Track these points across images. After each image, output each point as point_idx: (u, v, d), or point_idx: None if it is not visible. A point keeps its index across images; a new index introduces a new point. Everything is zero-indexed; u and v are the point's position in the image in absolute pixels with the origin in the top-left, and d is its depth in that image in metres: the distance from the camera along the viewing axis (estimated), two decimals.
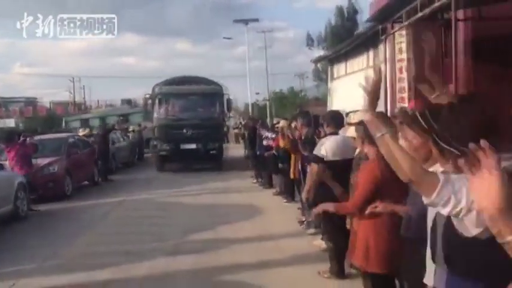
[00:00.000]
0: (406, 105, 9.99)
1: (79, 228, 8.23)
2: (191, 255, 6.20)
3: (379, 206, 3.10)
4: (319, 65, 36.69)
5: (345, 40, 23.12)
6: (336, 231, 4.94)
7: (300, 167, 7.62)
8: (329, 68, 25.34)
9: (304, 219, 7.58)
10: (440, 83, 2.66)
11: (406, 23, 7.01)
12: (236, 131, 27.87)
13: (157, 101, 16.69)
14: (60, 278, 5.48)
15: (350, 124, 4.86)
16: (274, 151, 10.51)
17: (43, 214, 9.68)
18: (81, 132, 16.68)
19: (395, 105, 10.89)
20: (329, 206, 3.77)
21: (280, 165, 9.73)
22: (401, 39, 11.02)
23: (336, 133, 5.21)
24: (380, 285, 3.28)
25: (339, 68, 22.50)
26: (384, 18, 8.23)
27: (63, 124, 26.15)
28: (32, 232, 8.15)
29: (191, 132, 15.89)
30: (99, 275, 5.53)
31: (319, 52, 37.48)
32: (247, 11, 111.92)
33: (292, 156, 8.32)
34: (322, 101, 29.73)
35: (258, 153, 12.80)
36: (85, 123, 25.00)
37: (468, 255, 1.85)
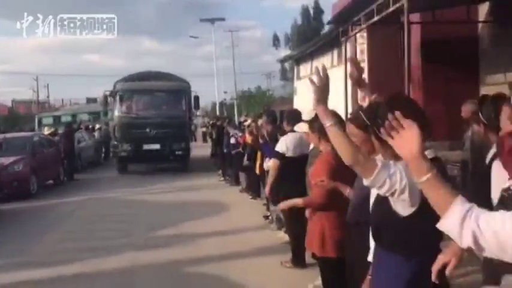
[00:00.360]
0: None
1: (45, 226, 8.27)
2: (158, 250, 6.38)
3: (325, 181, 3.37)
4: (286, 64, 37.24)
5: (311, 40, 23.61)
6: (295, 224, 5.22)
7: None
8: (295, 68, 25.81)
9: (269, 214, 7.86)
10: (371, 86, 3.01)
11: (364, 26, 7.40)
12: (204, 129, 27.97)
13: (118, 98, 15.65)
14: (27, 273, 5.57)
15: (304, 121, 5.14)
16: (240, 149, 10.77)
17: (8, 213, 9.64)
18: (47, 131, 16.46)
19: (357, 105, 11.33)
20: (297, 201, 3.89)
21: (246, 162, 9.97)
22: (362, 40, 11.50)
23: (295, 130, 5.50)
24: (334, 268, 3.55)
25: (305, 68, 22.96)
26: (344, 20, 8.59)
27: (36, 121, 25.65)
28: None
29: (155, 131, 14.95)
30: (67, 270, 5.66)
31: (286, 52, 38.05)
32: (215, 10, 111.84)
33: (258, 153, 8.58)
34: (288, 100, 30.17)
35: (225, 151, 13.01)
36: (58, 120, 24.58)
37: (396, 231, 2.15)
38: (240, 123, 14.16)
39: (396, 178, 2.00)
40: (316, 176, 3.56)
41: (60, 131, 16.70)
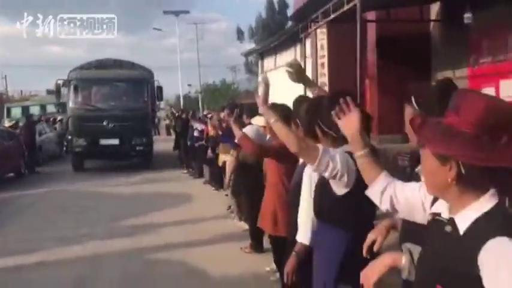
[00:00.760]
0: None
1: (6, 217, 8.27)
2: (121, 239, 6.54)
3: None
4: (251, 58, 37.46)
5: (275, 34, 23.90)
6: (253, 212, 5.50)
7: None
8: (259, 62, 26.07)
9: (231, 205, 8.11)
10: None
11: (321, 23, 7.71)
12: (167, 122, 27.90)
13: (72, 88, 14.25)
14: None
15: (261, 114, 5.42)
16: (203, 141, 10.97)
17: None
18: (7, 124, 16.16)
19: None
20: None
21: (210, 154, 10.19)
22: (322, 36, 11.84)
23: None
24: (285, 247, 3.84)
25: (269, 62, 23.25)
26: (303, 17, 8.90)
27: (5, 111, 25.09)
28: None
29: (113, 124, 13.63)
30: (31, 258, 5.76)
31: (251, 45, 38.24)
32: (180, 1, 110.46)
33: (220, 146, 8.81)
34: (253, 93, 30.38)
35: (188, 143, 13.16)
36: (27, 110, 24.08)
37: (335, 208, 2.45)
38: (205, 116, 14.33)
39: (337, 162, 2.29)
40: (270, 163, 3.86)
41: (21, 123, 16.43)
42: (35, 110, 23.28)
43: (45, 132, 17.67)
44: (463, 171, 1.36)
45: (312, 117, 2.64)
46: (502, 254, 1.26)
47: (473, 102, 1.37)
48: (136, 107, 14.18)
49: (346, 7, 6.40)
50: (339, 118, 2.00)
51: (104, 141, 13.73)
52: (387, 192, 1.82)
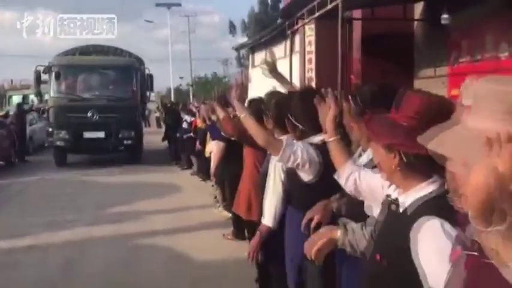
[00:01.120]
0: None
1: None
2: (109, 225, 6.76)
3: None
4: (242, 51, 37.62)
5: (268, 28, 24.11)
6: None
7: None
8: (250, 56, 26.27)
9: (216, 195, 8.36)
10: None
11: (306, 21, 7.95)
12: (157, 114, 28.02)
13: (53, 75, 12.95)
14: None
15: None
16: (191, 133, 11.19)
17: None
18: None
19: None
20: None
21: (198, 146, 10.40)
22: (310, 32, 12.06)
23: None
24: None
25: (259, 56, 23.45)
26: (291, 14, 9.13)
27: (7, 99, 25.23)
28: None
29: (98, 116, 12.54)
30: (21, 242, 5.97)
31: (243, 39, 38.37)
32: None
33: (208, 137, 9.03)
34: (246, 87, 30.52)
35: (178, 135, 13.35)
36: (27, 98, 24.16)
37: (302, 194, 2.70)
38: (196, 107, 14.48)
39: (298, 154, 2.55)
40: (248, 152, 4.12)
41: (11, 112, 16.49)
42: (35, 99, 23.36)
43: (35, 122, 17.75)
44: (404, 159, 1.61)
45: (282, 110, 2.90)
46: (425, 230, 1.50)
47: (410, 99, 1.63)
48: (124, 97, 13.01)
49: (329, 6, 6.63)
50: (319, 105, 2.30)
51: (88, 134, 12.55)
52: (352, 177, 2.09)
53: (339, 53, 6.51)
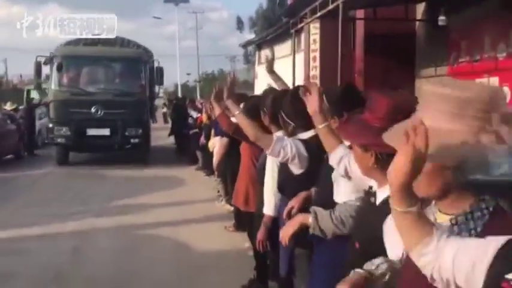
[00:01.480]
0: None
1: (7, 194, 8.73)
2: (114, 216, 7.01)
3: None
4: (250, 48, 37.82)
5: (275, 25, 24.28)
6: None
7: None
8: (256, 53, 26.46)
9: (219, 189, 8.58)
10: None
11: (309, 20, 8.14)
12: (164, 110, 28.25)
13: (55, 67, 11.98)
14: None
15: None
16: (197, 129, 11.42)
17: None
18: (8, 107, 16.53)
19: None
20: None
21: (202, 141, 10.62)
22: (315, 31, 12.25)
23: None
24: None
25: (266, 53, 23.60)
26: (295, 13, 9.32)
27: (25, 94, 25.58)
28: None
29: (102, 111, 11.62)
30: (30, 231, 6.22)
31: (251, 35, 38.57)
32: None
33: (212, 132, 9.24)
34: (251, 84, 30.80)
35: (183, 131, 13.57)
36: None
37: (293, 185, 2.91)
38: (201, 103, 14.69)
39: (288, 149, 2.77)
40: (244, 147, 4.34)
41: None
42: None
43: (44, 116, 18.03)
44: (380, 157, 1.80)
45: (276, 108, 3.11)
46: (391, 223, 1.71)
47: (380, 102, 1.82)
48: (131, 92, 12.03)
49: (330, 6, 6.82)
50: (305, 96, 2.41)
51: (91, 131, 11.69)
52: (343, 162, 2.25)
53: (339, 52, 6.68)
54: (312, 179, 2.73)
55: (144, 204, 7.75)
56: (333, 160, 2.29)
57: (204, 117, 10.30)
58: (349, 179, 2.29)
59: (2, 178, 10.63)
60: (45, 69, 13.17)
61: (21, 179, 10.48)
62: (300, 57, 12.66)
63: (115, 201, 8.02)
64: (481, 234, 1.12)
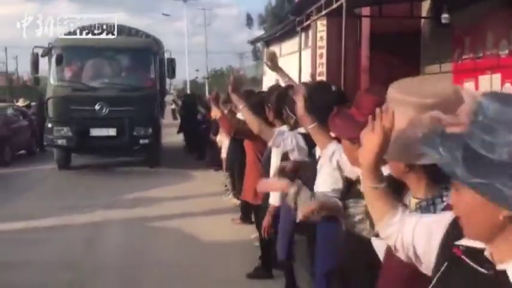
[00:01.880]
0: None
1: (20, 189, 9.00)
2: (124, 210, 7.23)
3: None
4: (259, 44, 38.00)
5: (284, 21, 24.43)
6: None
7: None
8: (265, 49, 26.61)
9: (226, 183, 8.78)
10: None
11: (315, 17, 8.29)
12: (173, 106, 28.44)
13: (54, 59, 10.73)
14: (10, 225, 6.37)
15: None
16: (205, 125, 11.63)
17: None
18: (21, 103, 16.84)
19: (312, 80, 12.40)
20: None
21: (211, 137, 10.81)
22: (322, 28, 12.39)
23: None
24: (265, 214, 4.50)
25: (274, 49, 23.74)
26: (301, 11, 9.48)
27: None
28: None
29: (108, 109, 10.33)
30: (43, 223, 6.49)
31: (260, 32, 38.73)
32: None
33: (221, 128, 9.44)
34: (259, 80, 30.97)
35: (192, 127, 13.77)
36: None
37: (293, 175, 3.08)
38: (209, 100, 14.84)
39: (288, 141, 2.96)
40: (248, 145, 4.53)
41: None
42: None
43: None
44: None
45: (281, 103, 3.30)
46: None
47: (366, 99, 1.99)
48: (140, 86, 10.79)
49: (334, 5, 6.97)
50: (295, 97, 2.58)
51: (95, 132, 10.41)
52: (334, 156, 2.38)
53: (342, 50, 6.84)
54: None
55: (153, 198, 7.97)
56: (325, 156, 2.44)
57: (213, 114, 10.48)
58: (341, 171, 2.46)
59: (15, 172, 10.92)
60: (44, 63, 11.46)
61: (33, 174, 10.75)
62: (305, 54, 12.80)
63: (125, 195, 8.25)
64: None
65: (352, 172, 2.40)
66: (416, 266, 1.27)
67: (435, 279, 1.13)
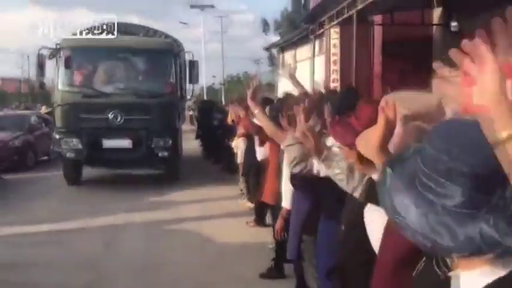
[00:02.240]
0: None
1: (44, 192, 9.37)
2: (144, 213, 7.53)
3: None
4: (274, 50, 38.30)
5: (300, 27, 24.67)
6: (258, 190, 6.41)
7: None
8: (280, 55, 26.87)
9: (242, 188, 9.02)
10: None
11: (327, 26, 8.50)
12: (190, 112, 28.83)
13: (62, 62, 9.55)
14: (35, 227, 6.71)
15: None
16: (221, 130, 11.90)
17: (10, 182, 10.71)
18: (43, 110, 17.30)
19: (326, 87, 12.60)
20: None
21: (227, 141, 11.07)
22: (335, 35, 12.58)
23: None
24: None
25: (289, 55, 23.99)
26: (314, 19, 9.70)
27: None
28: (3, 194, 9.20)
29: (123, 118, 9.27)
30: (67, 225, 6.80)
31: (276, 37, 38.99)
32: None
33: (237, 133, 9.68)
34: (275, 86, 31.18)
35: (209, 132, 14.06)
36: None
37: (298, 177, 3.30)
38: (225, 106, 15.16)
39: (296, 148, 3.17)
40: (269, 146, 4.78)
41: None
42: None
43: None
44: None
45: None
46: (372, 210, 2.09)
47: (364, 110, 2.21)
48: (158, 92, 9.66)
49: (346, 14, 7.18)
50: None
51: (108, 143, 9.39)
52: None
53: (353, 57, 7.03)
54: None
55: (171, 201, 8.27)
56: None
57: (229, 119, 10.74)
58: None
59: (38, 177, 11.32)
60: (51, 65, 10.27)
61: (54, 178, 11.08)
62: (318, 61, 13.01)
63: (144, 198, 8.55)
64: None
65: None
66: (411, 246, 1.16)
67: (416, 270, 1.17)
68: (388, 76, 9.55)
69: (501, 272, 0.92)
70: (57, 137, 9.59)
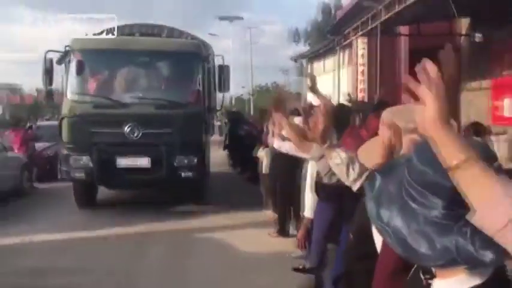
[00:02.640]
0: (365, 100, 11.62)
1: (74, 202, 9.60)
2: (170, 222, 7.68)
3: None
4: (303, 60, 38.40)
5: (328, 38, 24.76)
6: (281, 201, 6.50)
7: None
8: (308, 65, 26.94)
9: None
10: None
11: (352, 38, 8.55)
12: (218, 123, 29.04)
13: (72, 67, 8.33)
14: (68, 234, 6.97)
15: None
16: (248, 141, 12.01)
17: (42, 190, 11.07)
18: None
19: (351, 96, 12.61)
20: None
21: (253, 153, 11.15)
22: (362, 46, 12.60)
23: None
24: None
25: (317, 65, 24.04)
26: (339, 31, 9.75)
27: None
28: (39, 203, 9.55)
29: (140, 132, 7.97)
30: (100, 232, 7.04)
31: (306, 48, 39.08)
32: (236, 2, 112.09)
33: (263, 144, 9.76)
34: (302, 95, 31.20)
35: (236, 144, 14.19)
36: None
37: (322, 188, 3.36)
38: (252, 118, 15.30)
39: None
40: None
41: None
42: None
43: None
44: None
45: None
46: None
47: (372, 121, 2.28)
48: (182, 102, 8.28)
49: (370, 26, 7.21)
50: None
51: (123, 162, 8.05)
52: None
53: (377, 68, 7.06)
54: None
55: (196, 211, 8.40)
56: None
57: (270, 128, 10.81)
58: None
59: (67, 187, 11.48)
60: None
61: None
62: (343, 72, 13.04)
63: (169, 209, 8.69)
64: None
65: None
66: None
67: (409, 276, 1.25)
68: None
69: (477, 281, 0.97)
70: (65, 153, 8.20)
